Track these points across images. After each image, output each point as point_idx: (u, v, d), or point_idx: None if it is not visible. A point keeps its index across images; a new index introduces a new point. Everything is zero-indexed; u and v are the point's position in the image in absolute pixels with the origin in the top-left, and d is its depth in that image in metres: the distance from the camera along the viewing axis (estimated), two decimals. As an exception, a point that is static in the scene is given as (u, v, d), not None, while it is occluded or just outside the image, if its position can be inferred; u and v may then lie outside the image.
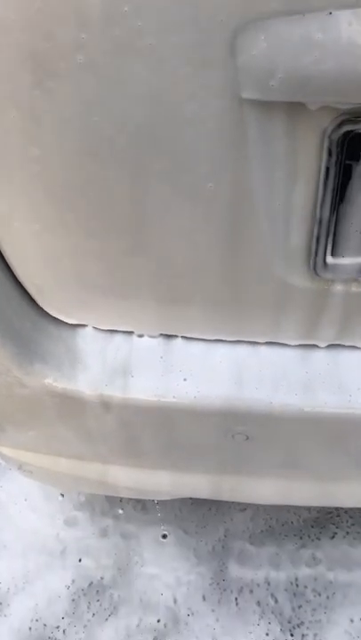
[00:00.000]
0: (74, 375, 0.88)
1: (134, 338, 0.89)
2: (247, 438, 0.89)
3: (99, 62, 0.59)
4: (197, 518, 1.65)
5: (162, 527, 1.63)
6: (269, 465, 0.97)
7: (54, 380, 0.87)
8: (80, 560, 1.59)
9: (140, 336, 0.89)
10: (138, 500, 1.67)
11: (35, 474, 1.24)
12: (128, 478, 1.11)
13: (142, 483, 1.11)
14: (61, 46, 0.58)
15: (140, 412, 0.89)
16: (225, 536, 1.61)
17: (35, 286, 0.83)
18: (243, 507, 1.65)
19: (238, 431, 0.88)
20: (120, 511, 1.68)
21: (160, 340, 0.88)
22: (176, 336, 0.87)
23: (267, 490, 1.04)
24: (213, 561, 1.57)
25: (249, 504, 1.59)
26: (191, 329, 0.86)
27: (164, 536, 1.62)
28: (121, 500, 1.68)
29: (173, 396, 0.86)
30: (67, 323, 0.88)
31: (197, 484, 1.06)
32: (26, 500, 1.71)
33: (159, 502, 1.65)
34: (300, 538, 1.60)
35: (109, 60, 0.58)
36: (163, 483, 1.09)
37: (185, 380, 0.86)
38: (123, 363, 0.88)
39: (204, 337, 0.86)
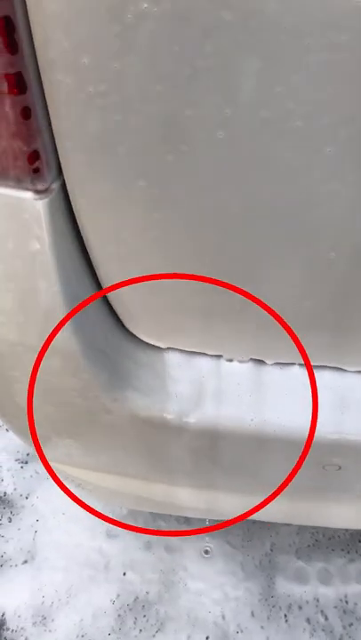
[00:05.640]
0: (161, 401, 0.85)
1: (223, 362, 0.86)
2: (339, 469, 0.86)
3: (240, 140, 0.56)
4: (242, 532, 1.62)
5: (206, 540, 1.61)
6: (354, 491, 0.94)
7: (141, 407, 0.84)
8: (124, 574, 1.56)
9: (230, 360, 0.86)
10: (182, 513, 1.64)
11: (94, 492, 1.21)
12: (196, 500, 1.08)
13: (211, 504, 1.08)
14: (203, 119, 0.55)
15: (227, 438, 0.86)
16: (271, 550, 1.59)
17: (128, 312, 0.80)
18: (288, 520, 1.63)
19: (332, 462, 0.85)
20: (163, 523, 1.65)
21: (250, 364, 0.85)
22: (267, 362, 0.84)
23: (346, 515, 1.02)
24: (261, 576, 1.54)
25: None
26: (286, 354, 0.83)
27: (207, 550, 1.59)
28: (164, 512, 1.66)
29: (263, 424, 0.83)
30: (156, 347, 0.85)
31: (270, 509, 1.04)
32: (64, 513, 1.68)
33: (204, 515, 1.62)
34: (348, 552, 1.58)
35: (252, 139, 0.55)
36: (233, 505, 1.07)
37: (277, 407, 0.84)
38: (211, 388, 0.85)
39: (299, 362, 0.83)
